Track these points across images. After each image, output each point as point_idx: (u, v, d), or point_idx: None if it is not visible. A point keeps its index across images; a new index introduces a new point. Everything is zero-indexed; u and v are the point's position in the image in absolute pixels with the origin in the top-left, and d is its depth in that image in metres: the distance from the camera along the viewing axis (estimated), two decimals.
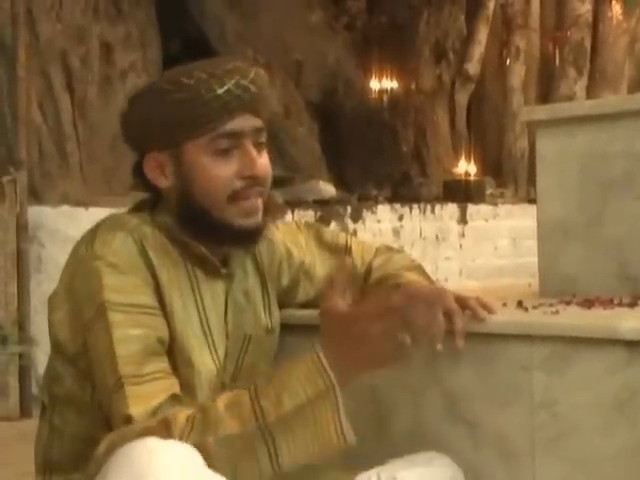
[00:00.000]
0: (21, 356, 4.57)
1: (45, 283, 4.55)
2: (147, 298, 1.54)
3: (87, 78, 5.77)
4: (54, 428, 1.62)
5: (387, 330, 1.44)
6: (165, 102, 1.57)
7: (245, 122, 1.59)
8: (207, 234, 1.61)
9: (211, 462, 1.38)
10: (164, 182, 1.61)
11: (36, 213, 4.78)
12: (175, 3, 6.58)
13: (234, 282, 1.69)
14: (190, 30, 6.87)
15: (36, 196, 5.14)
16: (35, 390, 4.56)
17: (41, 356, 4.51)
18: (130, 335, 1.49)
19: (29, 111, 5.17)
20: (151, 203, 1.66)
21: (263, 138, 1.63)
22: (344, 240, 1.88)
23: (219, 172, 1.58)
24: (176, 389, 1.50)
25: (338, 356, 1.44)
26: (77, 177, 5.64)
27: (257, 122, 1.61)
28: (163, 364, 1.52)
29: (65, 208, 4.97)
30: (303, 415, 1.41)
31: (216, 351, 1.64)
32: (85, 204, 5.04)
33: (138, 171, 1.64)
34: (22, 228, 4.61)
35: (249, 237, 1.64)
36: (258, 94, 1.61)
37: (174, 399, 1.47)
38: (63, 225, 4.82)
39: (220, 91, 1.56)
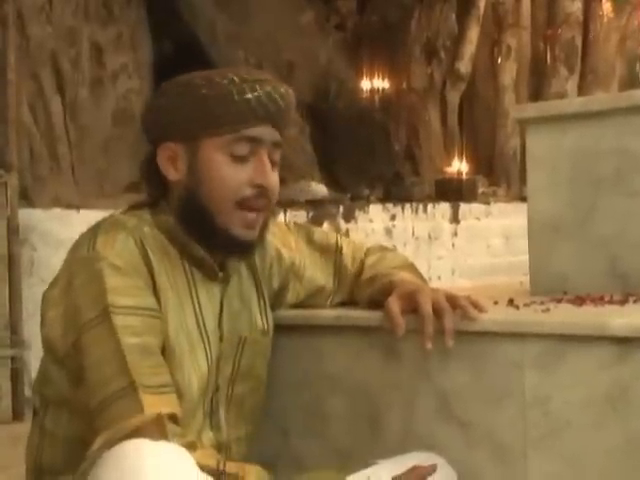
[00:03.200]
0: (13, 359, 4.55)
1: (37, 286, 4.53)
2: (150, 300, 1.54)
3: (78, 80, 5.75)
4: (45, 432, 1.62)
5: None
6: (194, 95, 1.59)
7: (266, 132, 1.62)
8: (204, 235, 1.62)
9: None
10: (174, 174, 1.62)
11: (27, 216, 4.76)
12: (166, 4, 6.57)
13: (229, 285, 1.70)
14: (181, 31, 6.85)
15: (27, 199, 5.12)
16: (28, 393, 4.55)
17: (34, 359, 4.49)
18: (137, 342, 1.49)
19: (20, 113, 5.16)
20: (151, 202, 1.66)
21: (278, 156, 1.65)
22: (334, 240, 1.88)
23: (232, 175, 1.59)
24: (178, 408, 1.50)
25: None
26: (69, 179, 5.62)
27: (277, 136, 1.64)
28: (167, 377, 1.52)
29: (57, 211, 4.95)
30: None
31: (210, 352, 1.64)
32: (77, 206, 5.02)
33: (149, 162, 1.65)
34: (13, 231, 4.59)
35: (242, 249, 1.65)
36: (285, 110, 1.63)
37: (172, 419, 1.47)
38: (55, 228, 4.80)
39: (251, 95, 1.58)
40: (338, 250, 1.86)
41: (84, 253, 1.55)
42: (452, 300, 1.63)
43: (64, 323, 1.54)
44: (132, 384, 1.46)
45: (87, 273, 1.52)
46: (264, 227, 1.67)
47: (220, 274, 1.66)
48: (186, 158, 1.61)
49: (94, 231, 1.58)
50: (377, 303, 1.73)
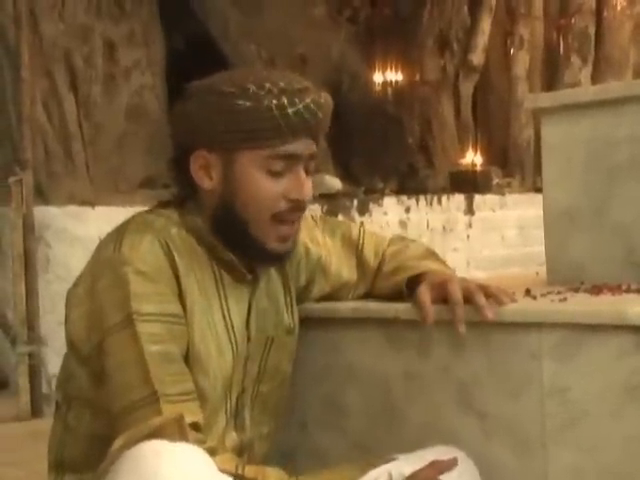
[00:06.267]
0: (31, 356, 4.57)
1: (53, 283, 4.54)
2: (174, 306, 1.53)
3: (91, 77, 5.77)
4: (68, 426, 1.62)
5: None
6: (229, 106, 1.54)
7: (304, 147, 1.59)
8: (238, 245, 1.61)
9: None
10: (208, 183, 1.59)
11: (42, 213, 4.77)
12: (178, 0, 6.58)
13: (258, 287, 1.69)
14: (193, 27, 6.86)
15: (42, 196, 5.14)
16: (45, 389, 4.57)
17: (51, 355, 4.52)
18: (159, 350, 1.49)
19: (34, 111, 5.18)
20: (179, 201, 1.64)
21: (313, 165, 1.63)
22: (357, 233, 1.87)
23: (268, 189, 1.57)
24: (199, 416, 1.50)
25: None
26: (83, 176, 5.65)
27: (313, 148, 1.61)
28: (189, 384, 1.52)
29: (71, 208, 4.97)
30: None
31: (238, 354, 1.63)
32: (91, 203, 5.04)
33: (178, 166, 1.62)
34: (29, 228, 4.61)
35: (277, 260, 1.65)
36: (323, 121, 1.61)
37: (193, 427, 1.47)
38: (70, 225, 4.82)
39: (290, 110, 1.54)
40: (360, 244, 1.86)
41: (109, 253, 1.54)
42: (483, 289, 1.62)
43: (88, 324, 1.54)
44: (154, 394, 1.46)
45: (112, 276, 1.52)
46: (296, 235, 1.66)
47: (249, 276, 1.66)
48: (220, 168, 1.58)
49: (121, 231, 1.57)
50: (401, 294, 1.73)
